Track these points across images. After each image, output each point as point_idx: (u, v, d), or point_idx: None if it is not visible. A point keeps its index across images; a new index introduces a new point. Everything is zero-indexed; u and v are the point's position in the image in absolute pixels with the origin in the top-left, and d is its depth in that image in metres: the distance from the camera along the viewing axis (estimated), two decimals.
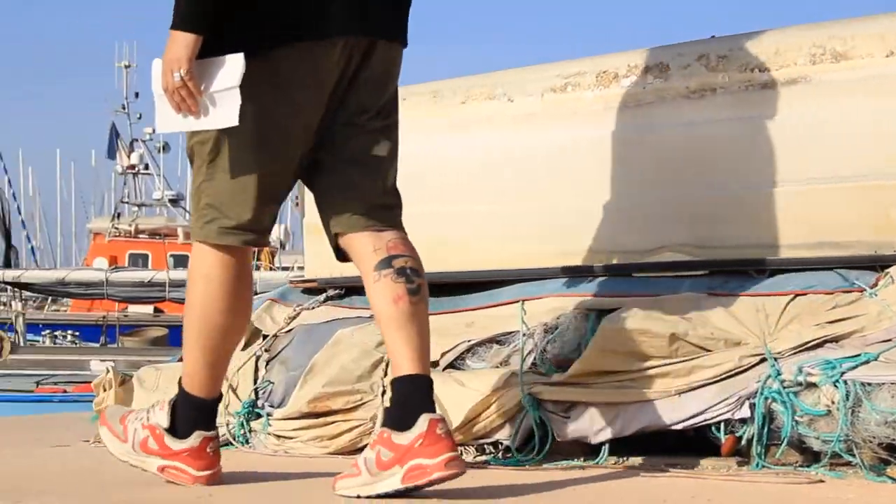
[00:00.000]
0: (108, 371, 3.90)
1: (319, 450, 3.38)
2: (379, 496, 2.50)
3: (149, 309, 21.87)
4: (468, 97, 3.71)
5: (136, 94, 35.25)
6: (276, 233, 32.81)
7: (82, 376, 11.86)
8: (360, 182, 2.73)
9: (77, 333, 21.38)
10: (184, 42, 2.55)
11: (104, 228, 28.25)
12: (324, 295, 3.88)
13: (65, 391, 10.41)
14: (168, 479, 2.75)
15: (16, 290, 14.01)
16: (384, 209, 2.74)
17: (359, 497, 2.52)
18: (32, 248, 36.10)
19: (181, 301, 14.19)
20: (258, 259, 22.60)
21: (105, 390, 3.88)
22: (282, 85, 2.63)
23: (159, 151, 34.48)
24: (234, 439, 3.55)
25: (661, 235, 3.33)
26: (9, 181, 31.26)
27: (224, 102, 2.56)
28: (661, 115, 3.33)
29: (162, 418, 2.77)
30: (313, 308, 3.84)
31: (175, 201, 32.61)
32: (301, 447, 3.42)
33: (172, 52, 2.56)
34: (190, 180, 2.87)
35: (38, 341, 19.69)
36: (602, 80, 3.45)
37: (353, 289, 3.81)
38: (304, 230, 4.03)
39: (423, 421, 2.51)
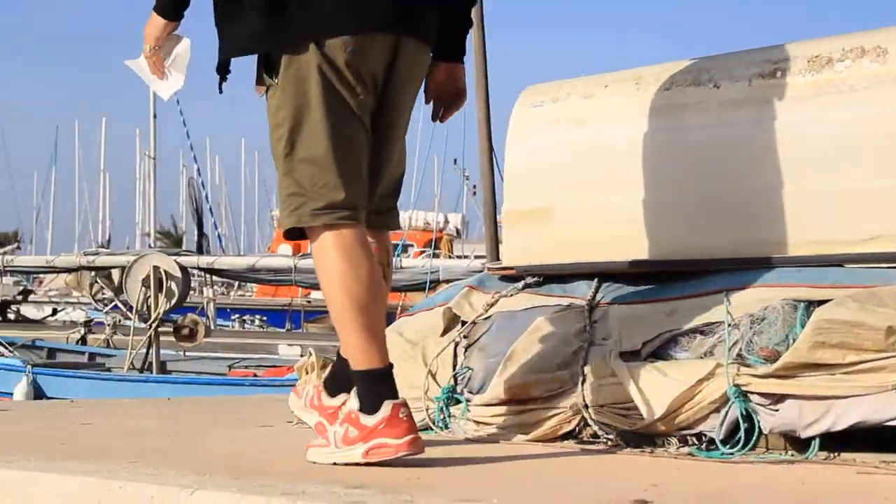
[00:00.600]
0: (310, 354, 3.98)
1: (519, 436, 3.39)
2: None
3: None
4: (672, 83, 3.66)
5: None
6: (454, 221, 33.07)
7: (271, 360, 12.19)
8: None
9: (265, 318, 21.97)
10: (156, 24, 3.02)
11: None
12: (522, 282, 3.88)
13: (255, 375, 10.69)
14: (373, 460, 2.78)
15: (208, 276, 14.48)
16: (377, 213, 3.02)
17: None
18: (219, 235, 37.17)
19: None
20: (437, 248, 22.79)
21: (307, 373, 3.96)
22: (339, 73, 2.83)
23: None
24: (434, 424, 3.58)
25: (875, 224, 3.22)
26: (198, 170, 32.26)
27: (175, 72, 3.09)
28: (880, 99, 3.22)
29: (353, 403, 2.84)
30: (512, 295, 3.84)
31: None
32: (500, 433, 3.43)
33: (147, 29, 3.03)
34: None
35: (228, 326, 20.32)
36: (814, 65, 3.36)
37: (551, 277, 3.81)
38: (504, 218, 4.03)
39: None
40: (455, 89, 3.14)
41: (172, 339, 11.75)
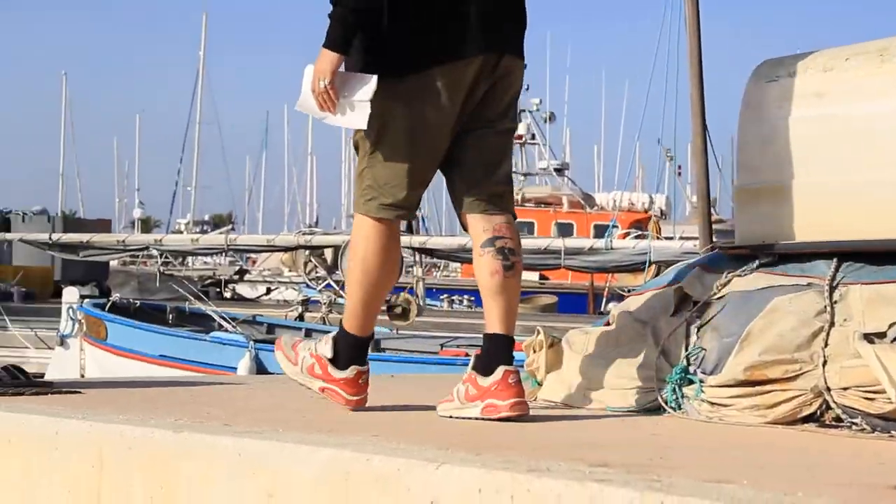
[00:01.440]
0: (538, 333, 3.98)
1: (756, 419, 3.31)
2: (462, 418, 3.28)
3: (534, 276, 22.29)
4: None
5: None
6: (659, 202, 32.64)
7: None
8: (481, 175, 3.41)
9: (472, 298, 22.15)
10: (329, 59, 3.27)
11: None
12: (756, 262, 3.79)
13: (466, 354, 10.78)
14: (326, 397, 3.45)
15: (416, 256, 14.67)
16: (497, 196, 3.42)
17: (451, 417, 3.31)
18: (422, 217, 37.61)
19: (578, 269, 14.41)
20: (645, 228, 22.53)
21: (535, 351, 3.96)
22: (431, 96, 3.30)
23: (545, 122, 35.03)
24: (666, 404, 3.54)
25: None
26: None
27: (358, 110, 3.30)
28: None
29: (327, 350, 3.47)
30: (745, 275, 3.76)
31: (560, 170, 33.04)
32: (736, 415, 3.36)
33: (321, 65, 3.27)
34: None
35: (436, 305, 20.56)
36: None
37: (786, 256, 3.71)
38: (735, 198, 3.95)
39: (500, 371, 3.27)
40: None
41: (385, 317, 11.92)
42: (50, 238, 13.63)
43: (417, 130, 3.34)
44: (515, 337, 3.42)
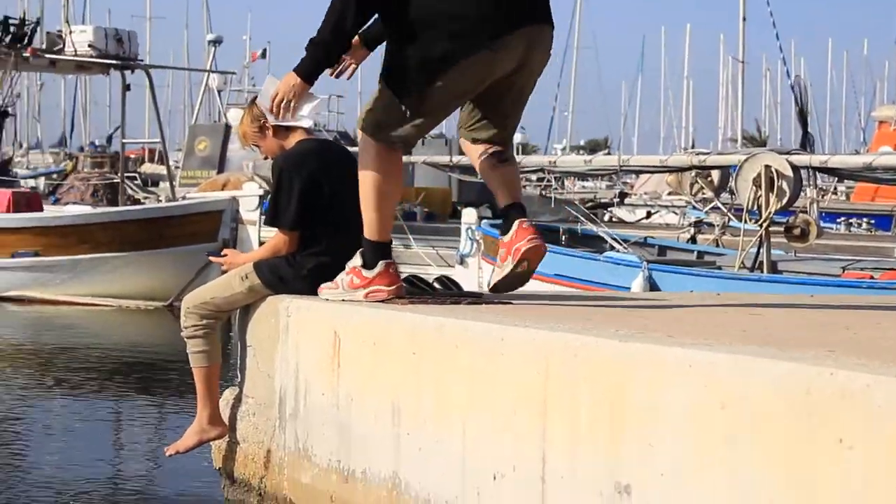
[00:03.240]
0: None
1: None
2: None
3: None
4: None
5: None
6: None
7: (889, 263, 11.71)
8: (497, 123, 4.07)
9: (871, 222, 21.19)
10: (297, 85, 3.89)
11: (890, 117, 27.54)
12: None
13: (871, 277, 10.32)
14: (372, 300, 3.91)
15: (813, 175, 14.15)
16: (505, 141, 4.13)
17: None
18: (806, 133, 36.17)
19: None
20: None
21: None
22: (475, 74, 3.81)
23: None
24: None
25: None
26: (787, 72, 31.39)
27: (300, 120, 4.24)
28: None
29: (356, 261, 3.97)
30: None
31: None
32: None
33: (287, 85, 3.90)
34: None
35: (832, 228, 19.79)
36: None
37: None
38: None
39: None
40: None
41: (783, 239, 11.58)
42: (450, 160, 14.09)
43: (453, 102, 4.00)
44: None
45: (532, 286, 12.17)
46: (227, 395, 4.50)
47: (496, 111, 4.03)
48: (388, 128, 3.87)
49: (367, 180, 3.94)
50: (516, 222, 3.99)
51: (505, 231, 4.01)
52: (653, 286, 10.77)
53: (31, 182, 26.47)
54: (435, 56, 3.73)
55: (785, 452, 2.47)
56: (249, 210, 14.76)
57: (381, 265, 3.95)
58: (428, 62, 3.74)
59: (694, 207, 16.35)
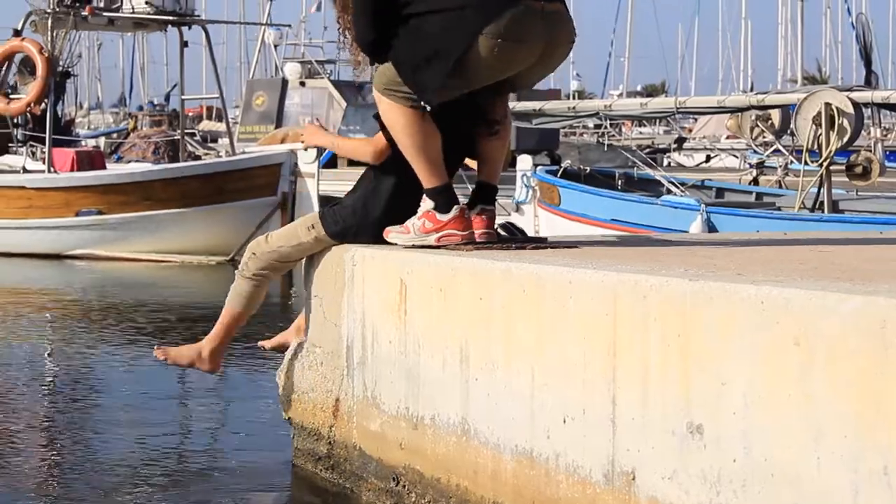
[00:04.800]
0: None
1: None
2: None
3: None
4: None
5: None
6: None
7: None
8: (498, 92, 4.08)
9: None
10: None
11: None
12: None
13: None
14: (443, 244, 3.90)
15: (876, 113, 13.96)
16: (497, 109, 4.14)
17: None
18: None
19: None
20: None
21: None
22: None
23: None
24: None
25: None
26: (847, 10, 30.83)
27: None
28: None
29: (428, 205, 3.93)
30: None
31: None
32: None
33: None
34: None
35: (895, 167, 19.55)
36: None
37: None
38: None
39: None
40: None
41: (844, 178, 11.45)
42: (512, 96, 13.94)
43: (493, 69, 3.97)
44: None
45: (590, 232, 12.17)
46: (294, 345, 4.53)
47: (501, 83, 3.99)
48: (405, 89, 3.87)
49: (400, 139, 3.93)
50: (477, 206, 4.04)
51: (448, 208, 3.94)
52: (711, 229, 10.71)
53: (93, 142, 26.73)
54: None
55: (860, 387, 2.45)
56: (307, 163, 14.79)
57: (455, 209, 3.94)
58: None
59: (754, 151, 16.18)
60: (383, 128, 4.03)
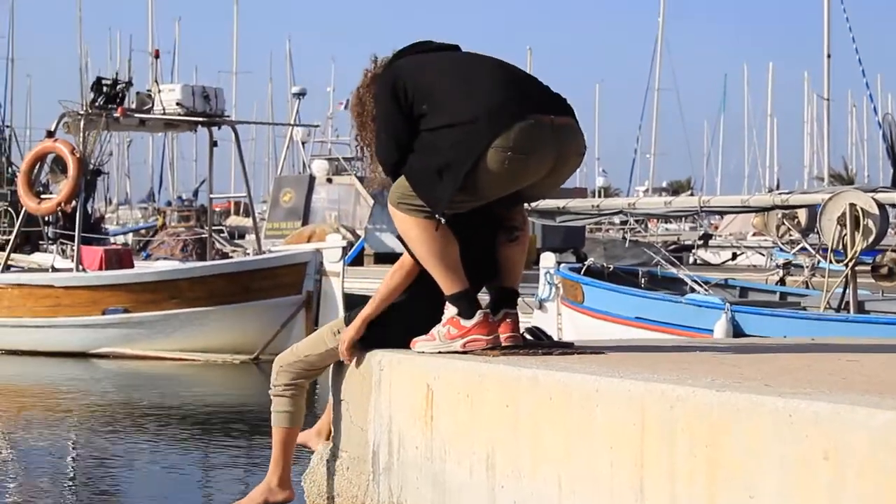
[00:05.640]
0: None
1: None
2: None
3: None
4: None
5: None
6: None
7: None
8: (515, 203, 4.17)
9: None
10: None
11: None
12: None
13: None
14: (469, 350, 3.92)
15: None
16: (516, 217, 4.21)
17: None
18: None
19: None
20: None
21: None
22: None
23: None
24: None
25: None
26: (874, 108, 31.00)
27: None
28: None
29: (451, 311, 3.96)
30: None
31: None
32: None
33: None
34: None
35: None
36: None
37: None
38: None
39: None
40: None
41: (871, 279, 11.42)
42: (528, 205, 14.00)
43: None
44: None
45: (614, 330, 12.12)
46: (321, 450, 4.53)
47: (516, 195, 4.04)
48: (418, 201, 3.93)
49: (416, 249, 3.98)
50: (501, 311, 4.05)
51: (471, 313, 3.96)
52: (736, 328, 10.67)
53: (122, 238, 26.95)
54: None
55: (890, 503, 2.43)
56: (333, 262, 14.88)
57: (479, 314, 3.96)
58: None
59: (781, 249, 16.17)
60: (403, 242, 4.07)
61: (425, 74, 3.98)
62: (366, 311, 4.17)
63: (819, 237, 12.78)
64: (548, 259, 13.58)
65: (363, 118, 4.19)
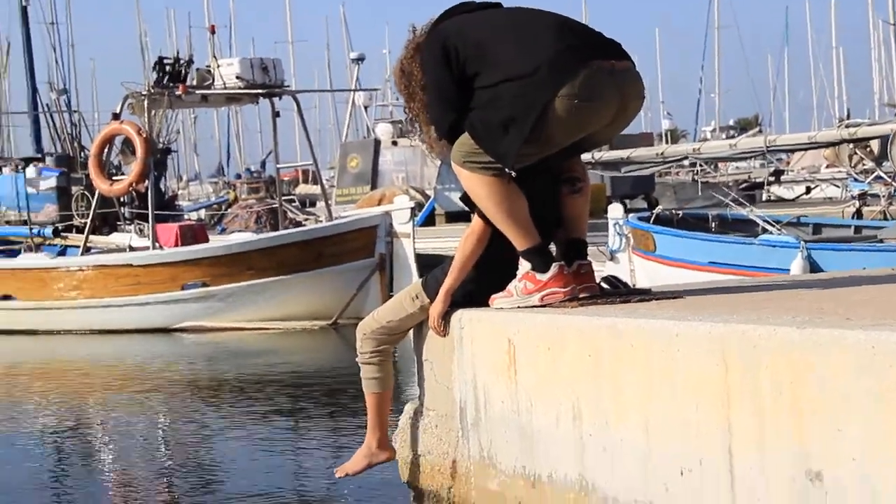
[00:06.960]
0: None
1: None
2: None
3: None
4: None
5: None
6: None
7: None
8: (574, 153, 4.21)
9: None
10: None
11: None
12: None
13: None
14: (547, 303, 3.97)
15: None
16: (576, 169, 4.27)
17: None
18: None
19: None
20: None
21: None
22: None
23: None
24: None
25: None
26: None
27: None
28: None
29: (526, 266, 4.00)
30: None
31: None
32: None
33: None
34: None
35: None
36: None
37: None
38: None
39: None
40: None
41: None
42: (592, 156, 13.99)
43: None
44: None
45: (688, 277, 12.04)
46: (408, 409, 4.60)
47: (576, 145, 4.05)
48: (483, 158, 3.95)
49: (486, 207, 3.99)
50: (574, 263, 4.07)
51: (546, 267, 4.00)
52: (813, 266, 10.58)
53: (195, 214, 27.25)
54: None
55: None
56: (402, 223, 14.96)
57: (554, 267, 4.00)
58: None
59: (855, 179, 15.97)
60: (469, 203, 4.09)
61: (474, 33, 3.99)
62: (447, 283, 4.20)
63: (894, 165, 12.62)
64: (616, 210, 13.54)
65: (411, 89, 4.20)
